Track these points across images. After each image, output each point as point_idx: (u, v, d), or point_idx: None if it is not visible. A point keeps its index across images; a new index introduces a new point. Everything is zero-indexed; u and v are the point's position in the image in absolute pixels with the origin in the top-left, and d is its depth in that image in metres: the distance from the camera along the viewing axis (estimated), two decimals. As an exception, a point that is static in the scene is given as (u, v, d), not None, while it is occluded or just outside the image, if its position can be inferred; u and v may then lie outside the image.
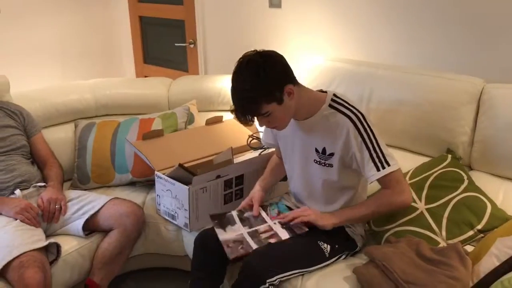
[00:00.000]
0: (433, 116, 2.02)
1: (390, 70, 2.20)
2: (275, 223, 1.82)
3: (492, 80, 1.99)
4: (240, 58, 1.62)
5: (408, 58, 2.37)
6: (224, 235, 1.76)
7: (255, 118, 1.66)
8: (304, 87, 1.73)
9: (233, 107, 1.65)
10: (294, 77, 1.67)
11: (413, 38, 2.34)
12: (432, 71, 2.12)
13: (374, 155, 1.65)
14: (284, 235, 1.75)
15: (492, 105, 1.90)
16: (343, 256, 1.80)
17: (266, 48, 1.67)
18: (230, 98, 1.66)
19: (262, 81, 1.57)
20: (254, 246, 1.70)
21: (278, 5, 2.86)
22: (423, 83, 2.07)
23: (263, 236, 1.75)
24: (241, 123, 1.68)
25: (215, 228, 1.79)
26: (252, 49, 1.64)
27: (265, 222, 1.84)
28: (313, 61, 2.48)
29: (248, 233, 1.78)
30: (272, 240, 1.72)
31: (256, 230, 1.79)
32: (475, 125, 1.97)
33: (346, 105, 1.70)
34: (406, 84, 2.12)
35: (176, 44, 3.63)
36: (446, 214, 1.77)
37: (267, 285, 1.57)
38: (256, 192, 1.95)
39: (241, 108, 1.62)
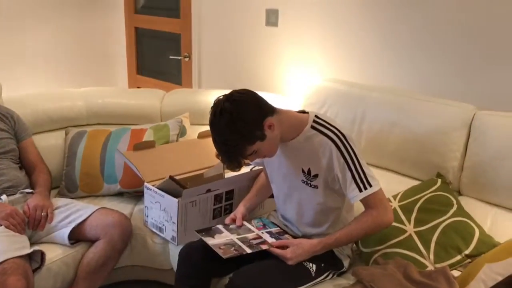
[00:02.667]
0: (425, 140, 2.04)
1: (384, 92, 2.23)
2: (262, 233, 1.82)
3: (484, 107, 2.03)
4: (212, 107, 1.63)
5: (401, 81, 2.41)
6: (213, 241, 1.74)
7: (243, 161, 1.67)
8: (284, 111, 1.72)
9: (217, 153, 1.66)
10: (271, 107, 1.67)
11: (407, 62, 2.38)
12: (425, 96, 2.15)
13: (356, 175, 1.65)
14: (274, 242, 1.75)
15: (483, 131, 1.93)
16: (330, 276, 1.79)
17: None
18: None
19: (240, 128, 1.58)
20: (247, 249, 1.69)
21: (275, 24, 2.89)
22: (415, 107, 2.10)
23: (254, 242, 1.75)
24: (231, 170, 1.70)
25: (203, 238, 1.76)
26: (221, 96, 1.64)
27: (253, 231, 1.84)
28: (308, 80, 2.50)
29: (238, 239, 1.77)
30: (264, 246, 1.72)
31: (246, 237, 1.79)
32: (466, 151, 1.99)
33: (328, 126, 1.70)
34: (399, 107, 2.14)
35: (170, 57, 3.64)
36: (434, 238, 1.78)
37: None
38: (239, 209, 1.96)
39: (227, 157, 1.64)
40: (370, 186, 1.66)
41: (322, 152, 1.69)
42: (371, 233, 1.74)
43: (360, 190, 1.65)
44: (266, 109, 1.65)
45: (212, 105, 1.64)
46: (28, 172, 2.27)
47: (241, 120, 1.58)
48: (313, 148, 1.70)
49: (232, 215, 1.93)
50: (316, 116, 1.74)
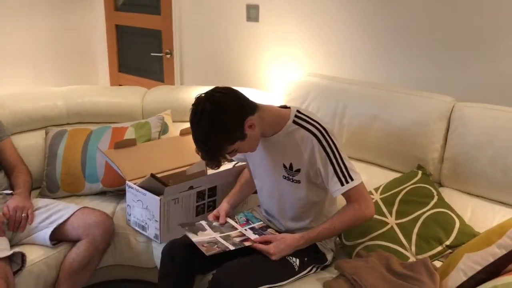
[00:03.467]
0: (405, 132, 2.05)
1: (364, 86, 2.24)
2: (245, 230, 1.82)
3: (463, 98, 2.04)
4: (193, 106, 1.62)
5: (381, 75, 2.42)
6: (197, 238, 1.74)
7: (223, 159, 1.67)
8: (265, 107, 1.71)
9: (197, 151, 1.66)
10: (252, 106, 1.66)
11: (387, 55, 2.39)
12: (404, 89, 2.17)
13: (338, 170, 1.66)
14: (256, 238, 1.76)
15: (462, 123, 1.94)
16: (313, 270, 1.80)
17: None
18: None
19: (220, 129, 1.58)
20: (231, 246, 1.69)
21: (256, 19, 2.88)
22: (395, 100, 2.11)
23: (237, 240, 1.75)
24: (210, 168, 1.71)
25: (187, 233, 1.76)
26: (202, 94, 1.63)
27: (236, 229, 1.84)
28: (289, 75, 2.50)
29: (221, 237, 1.77)
30: (247, 243, 1.72)
31: (229, 235, 1.78)
32: (446, 142, 2.01)
33: (310, 120, 1.71)
34: (379, 100, 2.15)
35: (152, 54, 3.61)
36: (416, 230, 1.80)
37: None
38: (222, 206, 1.95)
39: (208, 156, 1.64)
40: (352, 180, 1.67)
41: (304, 147, 1.69)
42: (353, 226, 1.75)
43: (342, 184, 1.66)
44: (247, 109, 1.64)
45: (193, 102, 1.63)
46: (7, 173, 2.24)
47: (222, 122, 1.57)
48: (295, 143, 1.71)
49: (215, 211, 1.93)
50: (297, 111, 1.74)
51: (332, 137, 1.68)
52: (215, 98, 1.60)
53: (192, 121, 1.62)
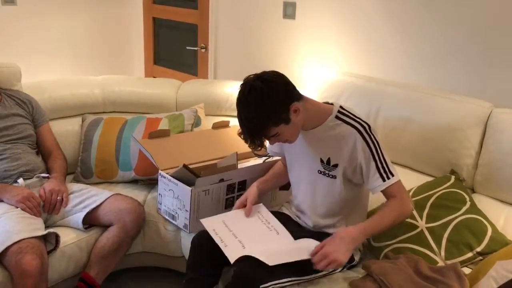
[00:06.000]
0: (439, 136, 2.03)
1: (399, 88, 2.22)
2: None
3: (501, 105, 2.01)
4: (241, 85, 1.64)
5: (418, 77, 2.39)
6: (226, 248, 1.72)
7: (265, 141, 1.68)
8: (310, 99, 1.74)
9: (240, 132, 1.67)
10: (298, 93, 1.69)
11: (424, 58, 2.36)
12: (441, 92, 2.14)
13: (380, 166, 1.67)
14: None
15: (499, 129, 1.91)
16: (340, 269, 1.79)
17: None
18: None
19: (268, 107, 1.59)
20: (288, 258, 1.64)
21: (292, 16, 2.89)
22: (431, 103, 2.09)
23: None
24: (251, 149, 1.70)
25: (218, 243, 1.73)
26: (251, 75, 1.65)
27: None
28: (324, 74, 2.49)
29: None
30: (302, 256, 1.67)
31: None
32: (481, 149, 1.98)
33: (353, 116, 1.73)
34: (414, 103, 2.13)
35: (187, 48, 3.65)
36: (446, 235, 1.78)
37: None
38: (251, 191, 1.94)
39: (250, 135, 1.64)
40: (392, 175, 1.68)
41: (345, 142, 1.70)
42: (397, 222, 1.70)
43: (384, 180, 1.67)
44: (295, 93, 1.66)
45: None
46: (44, 157, 2.31)
47: (270, 100, 1.59)
48: (336, 138, 1.72)
49: (242, 198, 1.93)
50: (341, 106, 1.76)
51: (375, 133, 1.70)
52: (265, 77, 1.63)
53: (239, 99, 1.63)
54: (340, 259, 1.57)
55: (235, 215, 1.90)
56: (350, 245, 1.61)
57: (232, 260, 1.64)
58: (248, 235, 1.78)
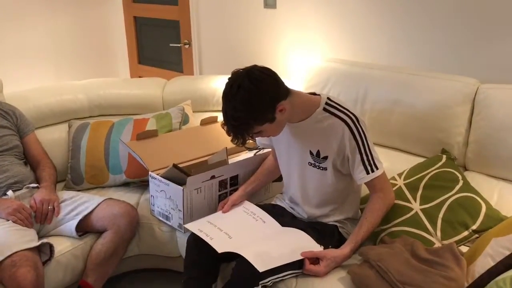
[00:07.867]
0: (428, 116, 2.02)
1: (385, 70, 2.20)
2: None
3: (487, 80, 2.00)
4: (229, 80, 1.61)
5: (403, 58, 2.38)
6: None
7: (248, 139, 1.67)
8: (296, 92, 1.71)
9: (223, 123, 1.65)
10: (286, 90, 1.66)
11: (408, 38, 2.34)
12: (426, 72, 2.12)
13: (365, 158, 1.68)
14: None
15: (487, 105, 1.90)
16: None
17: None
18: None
19: (254, 108, 1.58)
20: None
21: (273, 6, 2.86)
22: (417, 84, 2.07)
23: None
24: (234, 143, 1.69)
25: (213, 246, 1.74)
26: (241, 69, 1.62)
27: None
28: (309, 61, 2.47)
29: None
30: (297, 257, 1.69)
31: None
32: (470, 126, 1.97)
33: (340, 108, 1.71)
34: (401, 84, 2.12)
35: (171, 45, 3.62)
36: (441, 215, 1.77)
37: (259, 286, 1.57)
38: (234, 193, 1.98)
39: (234, 131, 1.63)
40: (377, 169, 1.69)
41: (334, 134, 1.70)
42: (384, 215, 1.76)
43: (367, 173, 1.69)
44: (282, 92, 1.64)
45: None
46: (32, 167, 2.28)
47: (257, 101, 1.57)
48: (324, 130, 1.71)
49: (225, 200, 1.98)
50: (328, 98, 1.74)
51: (362, 126, 1.70)
52: (254, 75, 1.59)
53: (226, 94, 1.61)
54: (323, 276, 1.65)
55: (219, 214, 1.94)
56: (340, 263, 1.70)
57: (219, 250, 1.65)
58: (233, 227, 1.82)
